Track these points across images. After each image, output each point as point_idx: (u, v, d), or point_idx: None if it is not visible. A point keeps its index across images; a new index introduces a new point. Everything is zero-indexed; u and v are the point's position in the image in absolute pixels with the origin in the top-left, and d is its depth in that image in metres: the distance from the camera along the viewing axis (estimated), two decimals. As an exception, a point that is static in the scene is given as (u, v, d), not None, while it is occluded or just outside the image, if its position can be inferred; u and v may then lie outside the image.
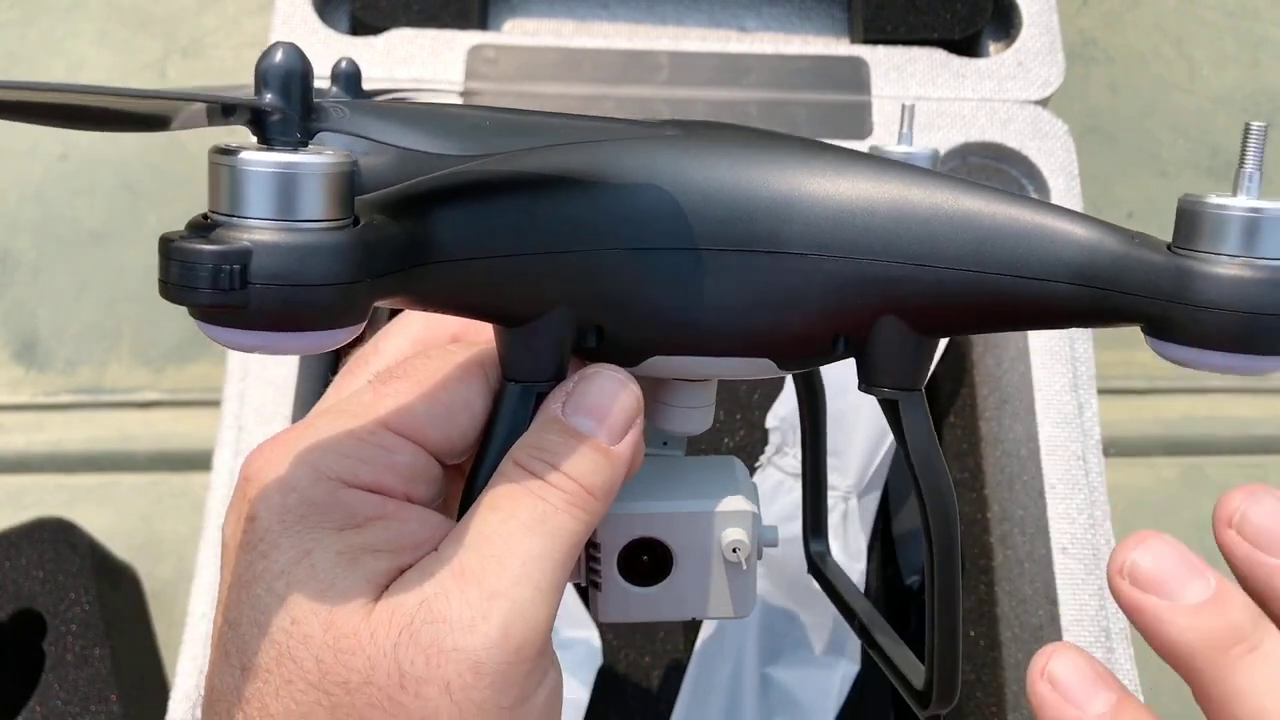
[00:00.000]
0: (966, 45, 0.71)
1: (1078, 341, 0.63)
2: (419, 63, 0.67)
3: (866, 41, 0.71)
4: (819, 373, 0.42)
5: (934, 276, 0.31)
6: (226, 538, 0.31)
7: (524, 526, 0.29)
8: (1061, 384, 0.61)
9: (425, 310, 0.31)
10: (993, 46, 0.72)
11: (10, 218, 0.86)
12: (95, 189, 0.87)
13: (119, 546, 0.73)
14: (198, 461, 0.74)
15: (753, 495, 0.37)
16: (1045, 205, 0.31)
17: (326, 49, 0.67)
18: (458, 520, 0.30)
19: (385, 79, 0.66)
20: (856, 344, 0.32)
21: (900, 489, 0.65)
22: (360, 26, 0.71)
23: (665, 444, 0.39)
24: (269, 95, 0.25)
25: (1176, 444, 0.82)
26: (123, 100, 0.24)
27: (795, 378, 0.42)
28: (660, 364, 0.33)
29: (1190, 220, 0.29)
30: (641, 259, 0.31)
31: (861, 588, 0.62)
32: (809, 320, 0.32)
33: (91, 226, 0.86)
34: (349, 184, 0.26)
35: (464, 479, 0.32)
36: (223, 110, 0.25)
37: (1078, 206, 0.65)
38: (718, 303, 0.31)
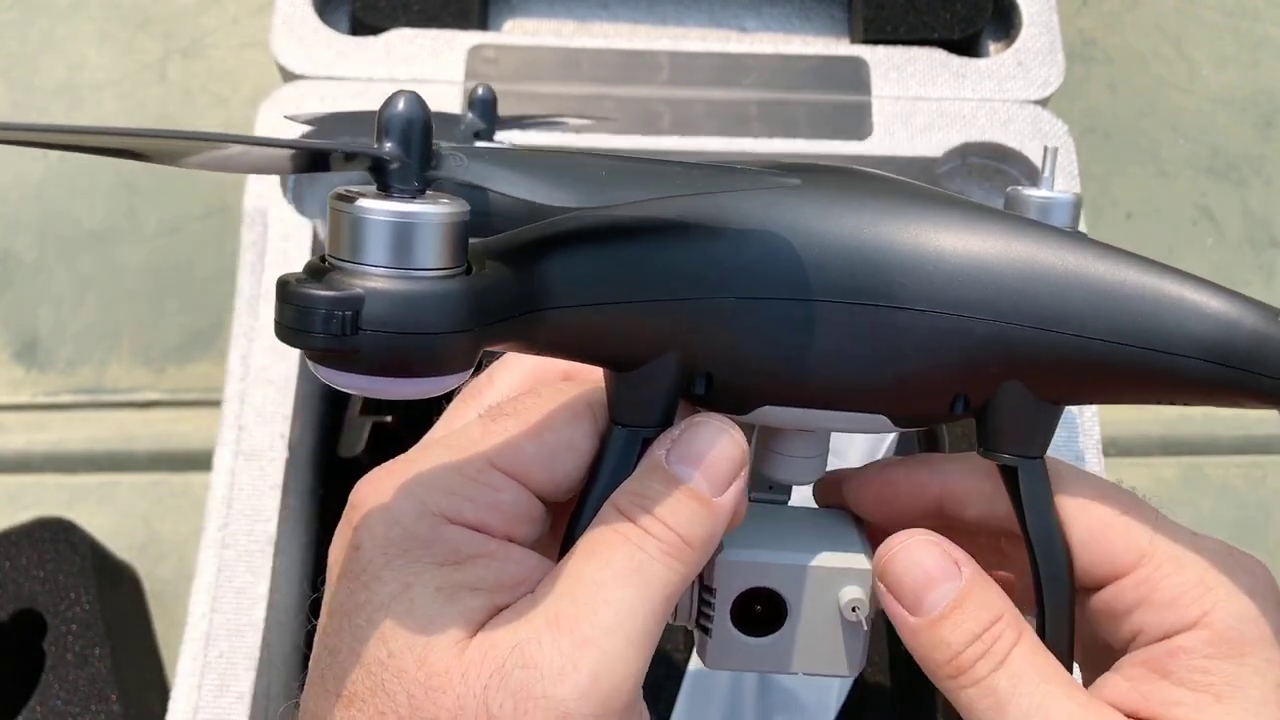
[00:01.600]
0: (966, 45, 0.71)
1: (1077, 341, 0.63)
2: (419, 63, 0.67)
3: (866, 41, 0.71)
4: (942, 427, 0.41)
5: (1060, 343, 0.30)
6: (331, 562, 0.31)
7: (618, 575, 0.29)
8: (1061, 384, 0.62)
9: (534, 354, 0.31)
10: (993, 46, 0.72)
11: (11, 217, 0.86)
12: (95, 189, 0.87)
13: (119, 546, 0.73)
14: (198, 461, 0.74)
15: (870, 554, 0.35)
16: (1181, 274, 0.30)
17: (326, 49, 0.67)
18: (558, 562, 0.30)
19: (385, 79, 0.66)
20: (976, 406, 0.31)
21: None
22: (360, 26, 0.71)
23: (771, 487, 0.37)
24: (389, 144, 0.26)
25: (1176, 444, 0.82)
26: (250, 150, 0.25)
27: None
28: (770, 414, 0.32)
29: None
30: (755, 308, 0.30)
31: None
32: (928, 380, 0.31)
33: (92, 226, 0.86)
34: (463, 234, 0.26)
35: (567, 519, 0.32)
36: (345, 157, 0.26)
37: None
38: (832, 356, 0.30)
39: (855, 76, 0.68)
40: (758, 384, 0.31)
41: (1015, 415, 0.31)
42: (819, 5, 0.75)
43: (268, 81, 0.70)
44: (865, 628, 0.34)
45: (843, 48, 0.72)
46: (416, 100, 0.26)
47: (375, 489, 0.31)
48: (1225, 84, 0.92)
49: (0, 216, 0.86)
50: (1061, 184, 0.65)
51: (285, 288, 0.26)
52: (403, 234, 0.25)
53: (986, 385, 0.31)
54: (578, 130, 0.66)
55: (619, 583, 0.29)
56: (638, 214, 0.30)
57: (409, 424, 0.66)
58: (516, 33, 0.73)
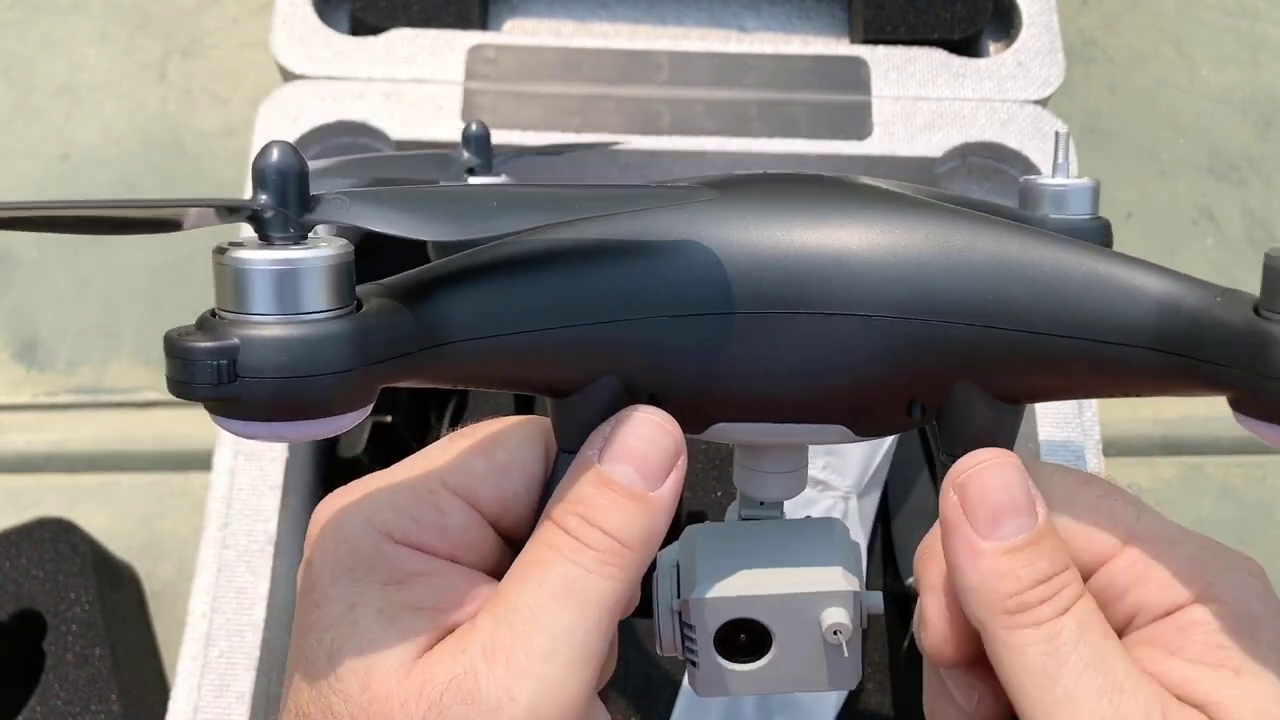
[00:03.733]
0: (966, 45, 0.71)
1: (1077, 341, 0.63)
2: (419, 63, 0.67)
3: (866, 41, 0.71)
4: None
5: (1003, 340, 0.29)
6: (297, 580, 0.31)
7: (553, 597, 0.28)
8: (1061, 384, 0.62)
9: (448, 387, 0.31)
10: (993, 46, 0.72)
11: (10, 218, 0.86)
12: (95, 189, 0.87)
13: (119, 546, 0.73)
14: (198, 461, 0.74)
15: (855, 566, 0.35)
16: (1124, 259, 0.29)
17: (326, 49, 0.67)
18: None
19: (385, 79, 0.66)
20: (934, 409, 0.30)
21: (899, 489, 0.65)
22: (360, 26, 0.71)
23: (762, 504, 0.37)
24: (264, 196, 0.26)
25: (1175, 444, 0.82)
26: (130, 210, 0.25)
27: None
28: (727, 430, 0.32)
29: (1277, 279, 0.26)
30: (687, 325, 0.29)
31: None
32: (876, 386, 0.30)
33: (92, 226, 0.86)
34: (343, 275, 0.26)
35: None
36: (228, 211, 0.26)
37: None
38: (775, 367, 0.30)
39: (855, 76, 0.68)
40: (704, 403, 0.31)
41: (973, 417, 0.30)
42: (819, 5, 0.75)
43: (268, 81, 0.70)
44: (847, 652, 0.34)
45: (843, 48, 0.72)
46: (289, 150, 0.26)
47: (332, 505, 0.31)
48: (1225, 84, 0.92)
49: (0, 216, 0.86)
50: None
51: (169, 341, 0.26)
52: (276, 280, 0.26)
53: (937, 387, 0.30)
54: (578, 131, 0.66)
55: (554, 604, 0.28)
56: (547, 241, 0.30)
57: (409, 424, 0.66)
58: (516, 33, 0.73)
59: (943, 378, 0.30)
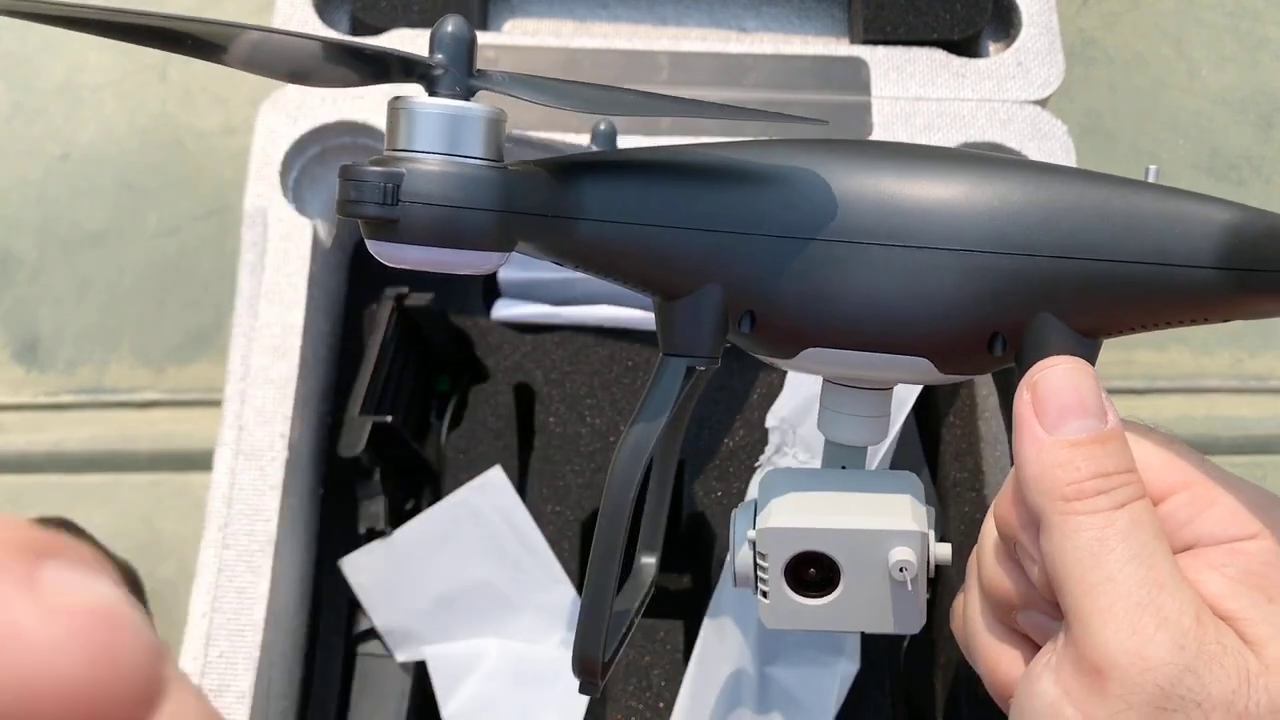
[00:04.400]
0: (966, 45, 0.71)
1: (1077, 341, 0.63)
2: (419, 63, 0.67)
3: (866, 42, 0.71)
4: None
5: (1080, 269, 0.31)
6: None
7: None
8: (1061, 384, 0.62)
9: (570, 266, 0.33)
10: (992, 47, 0.73)
11: (11, 218, 0.86)
12: (96, 189, 0.87)
13: (120, 546, 0.73)
14: (199, 461, 0.74)
15: (925, 515, 0.36)
16: (1187, 193, 0.31)
17: (327, 49, 0.67)
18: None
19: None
20: (1015, 345, 0.32)
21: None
22: (360, 27, 0.71)
23: (844, 467, 0.38)
24: (439, 55, 0.30)
25: (1176, 444, 0.82)
26: (310, 43, 0.29)
27: (999, 391, 0.41)
28: (815, 358, 0.34)
29: None
30: (790, 247, 0.32)
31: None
32: (962, 316, 0.32)
33: (92, 227, 0.86)
34: (497, 131, 0.30)
35: None
36: (403, 66, 0.30)
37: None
38: (869, 295, 0.32)
39: (855, 77, 0.68)
40: (798, 325, 0.33)
41: (1052, 349, 0.32)
42: (819, 6, 0.75)
43: (267, 82, 0.70)
44: (911, 588, 0.35)
45: (842, 48, 0.72)
46: (464, 21, 0.30)
47: None
48: (1225, 84, 0.92)
49: (1, 217, 0.86)
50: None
51: (345, 169, 0.30)
52: (443, 124, 0.30)
53: (1020, 319, 0.32)
54: (578, 131, 0.66)
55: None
56: (676, 152, 0.33)
57: (409, 425, 0.66)
58: (516, 33, 0.73)
59: (1024, 309, 0.32)
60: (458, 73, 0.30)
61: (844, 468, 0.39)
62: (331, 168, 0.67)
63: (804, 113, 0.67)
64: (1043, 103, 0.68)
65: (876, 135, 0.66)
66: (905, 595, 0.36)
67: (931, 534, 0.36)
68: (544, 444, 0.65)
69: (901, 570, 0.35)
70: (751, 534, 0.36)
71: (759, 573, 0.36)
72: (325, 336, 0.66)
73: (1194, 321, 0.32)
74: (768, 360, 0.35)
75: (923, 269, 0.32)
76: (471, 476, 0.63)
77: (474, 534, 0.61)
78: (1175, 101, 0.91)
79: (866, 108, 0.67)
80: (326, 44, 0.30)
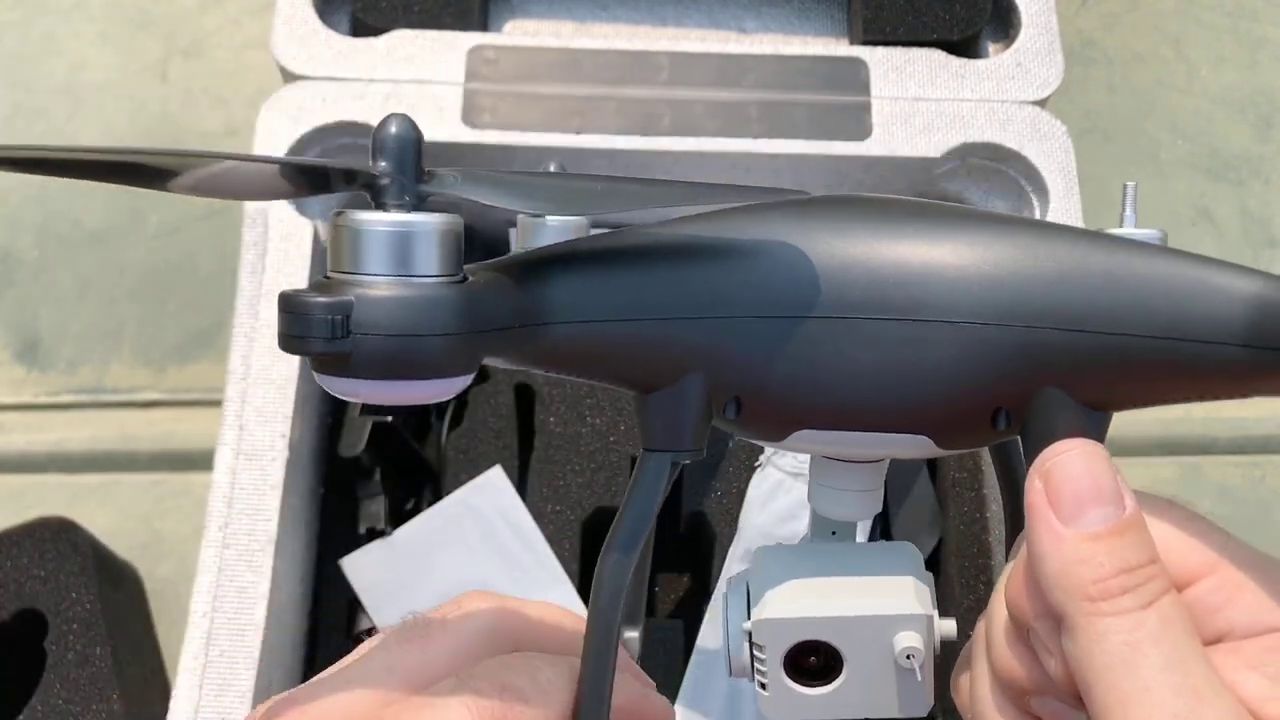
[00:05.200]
0: (966, 46, 0.71)
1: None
2: (419, 63, 0.67)
3: (866, 42, 0.71)
4: (1019, 452, 0.40)
5: (1091, 343, 0.29)
6: None
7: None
8: (1060, 384, 0.62)
9: (545, 370, 0.31)
10: (992, 47, 0.73)
11: (12, 218, 0.86)
12: (96, 189, 0.87)
13: (120, 546, 0.73)
14: (199, 461, 0.74)
15: (927, 593, 0.34)
16: (1206, 260, 0.29)
17: (327, 49, 0.67)
18: None
19: (386, 79, 0.67)
20: (1020, 419, 0.30)
21: (899, 489, 0.65)
22: (360, 27, 0.71)
23: (834, 533, 0.37)
24: (383, 163, 0.27)
25: (1174, 444, 0.82)
26: (239, 168, 0.26)
27: (993, 455, 0.39)
28: (807, 439, 0.32)
29: None
30: (774, 327, 0.30)
31: None
32: (964, 393, 0.30)
33: (93, 227, 0.86)
34: (455, 243, 0.28)
35: None
36: (345, 177, 0.27)
37: (1076, 207, 0.65)
38: (862, 373, 0.30)
39: (855, 77, 0.68)
40: (788, 407, 0.31)
41: (1060, 424, 0.30)
42: (818, 6, 0.75)
43: (268, 82, 0.70)
44: (920, 676, 0.33)
45: (842, 48, 0.72)
46: (407, 121, 0.27)
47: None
48: (1224, 85, 0.92)
49: (1, 216, 0.86)
50: (1061, 185, 0.66)
51: (285, 298, 0.27)
52: (393, 242, 0.27)
53: (1025, 394, 0.30)
54: (578, 132, 0.66)
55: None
56: (646, 235, 0.31)
57: (409, 424, 0.66)
58: (516, 34, 0.73)
59: (1029, 383, 0.30)
60: (405, 180, 0.27)
61: (834, 534, 0.37)
62: (332, 168, 0.67)
63: (804, 113, 0.67)
64: (1042, 103, 0.68)
65: (876, 135, 0.67)
66: (912, 680, 0.34)
67: (934, 612, 0.34)
68: (544, 444, 0.65)
69: (909, 658, 0.33)
70: (747, 625, 0.34)
71: (756, 664, 0.34)
72: (325, 336, 0.66)
73: (1213, 398, 0.29)
74: (756, 442, 0.34)
75: (919, 343, 0.30)
76: (471, 476, 0.63)
77: (474, 534, 0.61)
78: (1174, 102, 0.92)
79: (866, 108, 0.67)
80: (270, 163, 0.27)
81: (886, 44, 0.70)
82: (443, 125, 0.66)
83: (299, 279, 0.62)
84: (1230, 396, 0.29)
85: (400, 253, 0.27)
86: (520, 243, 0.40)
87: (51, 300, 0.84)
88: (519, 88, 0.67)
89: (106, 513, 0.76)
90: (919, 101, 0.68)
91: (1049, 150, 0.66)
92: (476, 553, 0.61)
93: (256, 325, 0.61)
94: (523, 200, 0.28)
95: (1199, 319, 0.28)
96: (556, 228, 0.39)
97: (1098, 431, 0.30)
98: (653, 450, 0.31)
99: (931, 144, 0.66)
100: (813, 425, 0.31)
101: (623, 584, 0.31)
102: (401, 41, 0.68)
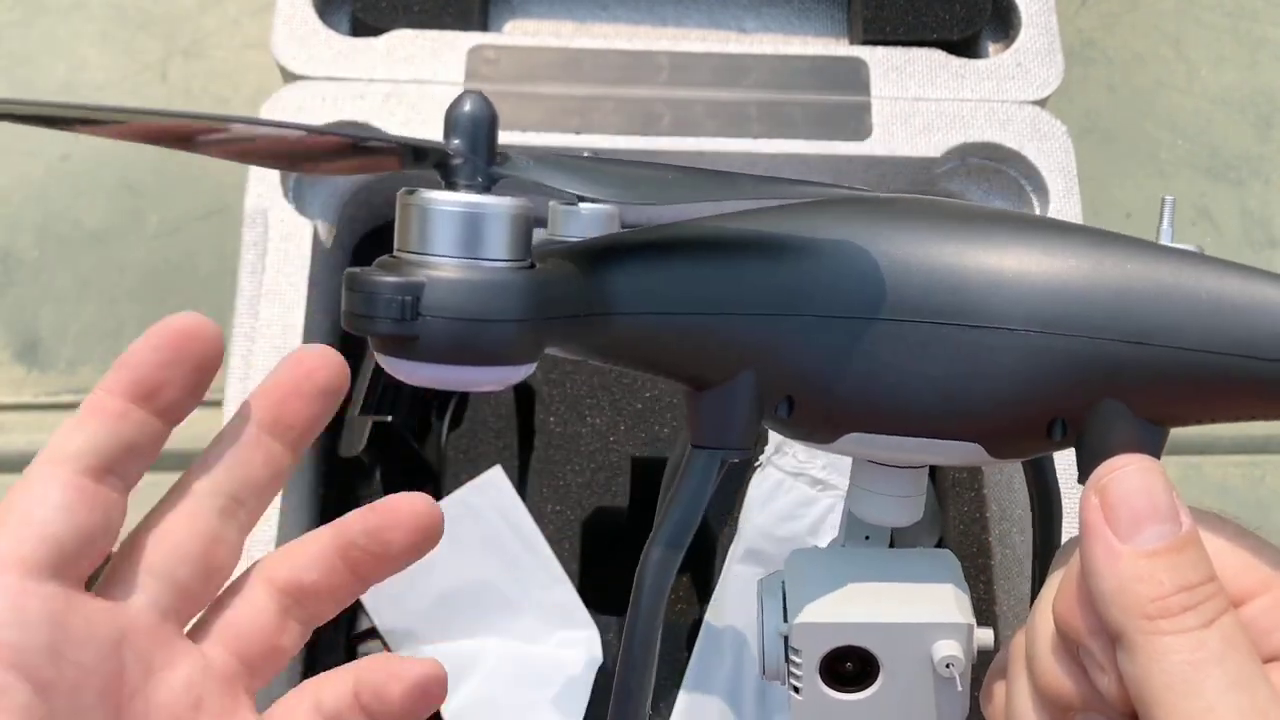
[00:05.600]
0: (965, 46, 0.71)
1: (1076, 341, 0.63)
2: (419, 63, 0.67)
3: (866, 42, 0.71)
4: (1051, 462, 0.38)
5: (1155, 356, 0.28)
6: None
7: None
8: (1060, 384, 0.62)
9: (604, 362, 0.31)
10: (992, 47, 0.73)
11: (12, 218, 0.86)
12: (97, 189, 0.87)
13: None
14: (199, 461, 0.74)
15: (967, 602, 0.34)
16: (1273, 275, 0.28)
17: (327, 49, 0.67)
18: None
19: (386, 79, 0.67)
20: (1076, 430, 0.30)
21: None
22: (360, 27, 0.71)
23: (868, 537, 0.36)
24: (456, 141, 0.27)
25: (1175, 443, 0.81)
26: (314, 139, 0.26)
27: (1025, 464, 0.38)
28: (857, 442, 0.31)
29: None
30: (834, 327, 0.29)
31: None
32: (1021, 402, 0.29)
33: (93, 227, 0.86)
34: (526, 228, 0.27)
35: None
36: (414, 155, 0.27)
37: (1076, 207, 0.65)
38: (919, 379, 0.29)
39: (854, 77, 0.68)
40: (841, 409, 0.30)
41: (1118, 439, 0.29)
42: (818, 6, 0.75)
43: (269, 82, 0.70)
44: (960, 686, 0.33)
45: (842, 48, 0.72)
46: (483, 100, 0.27)
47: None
48: (1224, 85, 0.92)
49: (1, 216, 0.86)
50: (1061, 185, 0.66)
51: (352, 277, 0.27)
52: (465, 223, 0.26)
53: (1083, 405, 0.29)
54: (577, 132, 0.66)
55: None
56: (712, 228, 0.30)
57: (409, 424, 0.66)
58: (517, 34, 0.73)
59: (1089, 395, 0.29)
60: (478, 160, 0.27)
61: (867, 538, 0.36)
62: (332, 168, 0.67)
63: (804, 113, 0.67)
64: (1042, 103, 0.68)
65: (876, 135, 0.67)
66: (950, 690, 0.33)
67: (974, 621, 0.33)
68: (544, 444, 0.65)
69: (948, 666, 0.33)
70: (784, 629, 0.33)
71: (791, 668, 0.34)
72: (325, 337, 0.66)
73: (1274, 418, 0.29)
74: (805, 444, 0.33)
75: (978, 349, 0.29)
76: (471, 476, 0.63)
77: (474, 534, 0.61)
78: (1174, 102, 0.92)
79: (866, 108, 0.67)
80: (342, 138, 0.27)
81: (886, 44, 0.70)
82: (442, 125, 0.66)
83: (299, 279, 0.62)
84: None
85: (472, 235, 0.26)
86: (551, 229, 0.40)
87: (51, 300, 0.84)
88: (519, 88, 0.67)
89: (106, 513, 0.76)
90: (919, 101, 0.68)
91: (1049, 150, 0.66)
92: (476, 553, 0.61)
93: (256, 325, 0.61)
94: (594, 186, 0.28)
95: (1267, 336, 0.28)
96: (587, 216, 0.39)
97: (1154, 446, 0.30)
98: (702, 447, 0.31)
99: (931, 144, 0.66)
100: (865, 429, 0.31)
101: (667, 582, 0.31)
102: (401, 41, 0.68)
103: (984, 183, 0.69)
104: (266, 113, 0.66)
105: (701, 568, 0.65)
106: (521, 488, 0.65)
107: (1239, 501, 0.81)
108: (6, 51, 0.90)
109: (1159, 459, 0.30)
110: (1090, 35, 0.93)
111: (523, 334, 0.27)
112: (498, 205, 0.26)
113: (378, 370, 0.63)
